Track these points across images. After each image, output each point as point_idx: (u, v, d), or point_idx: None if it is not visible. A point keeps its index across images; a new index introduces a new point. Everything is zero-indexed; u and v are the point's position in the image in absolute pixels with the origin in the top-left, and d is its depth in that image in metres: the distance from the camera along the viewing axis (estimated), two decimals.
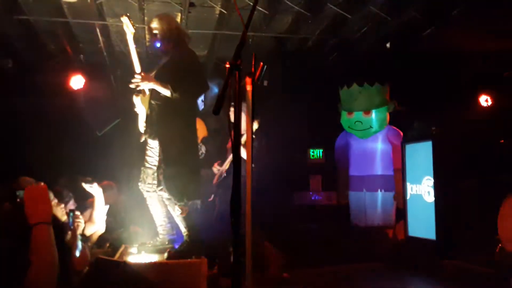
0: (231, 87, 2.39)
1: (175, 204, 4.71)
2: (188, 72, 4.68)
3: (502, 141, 7.17)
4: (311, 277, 6.43)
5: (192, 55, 4.86)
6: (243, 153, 6.38)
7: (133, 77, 4.64)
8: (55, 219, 2.55)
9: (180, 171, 4.67)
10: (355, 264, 7.29)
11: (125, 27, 4.73)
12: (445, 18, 6.49)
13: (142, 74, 4.65)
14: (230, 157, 6.67)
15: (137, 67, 4.71)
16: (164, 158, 4.74)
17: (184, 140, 4.77)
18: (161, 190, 4.75)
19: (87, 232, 4.98)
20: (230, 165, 6.73)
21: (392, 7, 6.41)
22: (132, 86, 4.67)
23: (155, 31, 4.82)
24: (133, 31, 4.76)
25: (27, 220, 2.29)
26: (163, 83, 4.61)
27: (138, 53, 4.80)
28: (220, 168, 6.83)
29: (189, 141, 4.85)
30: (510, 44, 7.42)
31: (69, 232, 3.34)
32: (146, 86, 4.68)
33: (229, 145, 6.90)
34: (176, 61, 4.73)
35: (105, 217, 5.08)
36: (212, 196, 6.89)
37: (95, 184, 4.98)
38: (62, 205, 4.07)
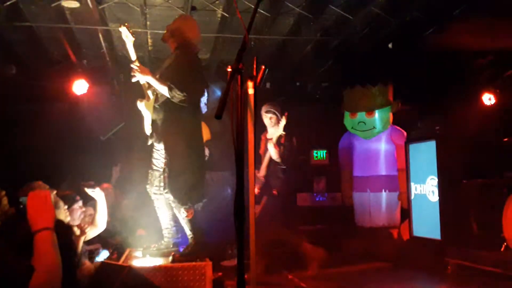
0: (233, 91, 2.40)
1: (181, 206, 4.73)
2: (188, 75, 4.71)
3: (506, 139, 7.15)
4: (316, 278, 6.42)
5: (192, 60, 4.88)
6: (273, 153, 6.54)
7: (131, 67, 4.67)
8: (63, 225, 2.54)
9: (184, 174, 4.70)
10: (360, 265, 7.28)
11: (124, 37, 4.75)
12: (447, 17, 6.48)
13: (138, 64, 4.68)
14: (265, 162, 6.76)
15: (133, 56, 4.75)
16: (169, 161, 4.78)
17: (189, 143, 4.78)
18: (167, 192, 4.78)
19: (89, 236, 5.00)
20: (267, 170, 6.76)
21: (393, 7, 6.41)
22: (132, 74, 4.69)
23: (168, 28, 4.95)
24: (133, 39, 4.78)
25: (30, 226, 2.26)
26: (161, 80, 4.64)
27: (141, 58, 4.82)
28: (258, 175, 6.68)
29: (194, 145, 4.87)
30: None
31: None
32: (143, 78, 4.70)
33: (262, 150, 6.93)
34: (177, 63, 4.79)
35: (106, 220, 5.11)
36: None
37: (97, 189, 5.01)
38: (66, 207, 4.07)
